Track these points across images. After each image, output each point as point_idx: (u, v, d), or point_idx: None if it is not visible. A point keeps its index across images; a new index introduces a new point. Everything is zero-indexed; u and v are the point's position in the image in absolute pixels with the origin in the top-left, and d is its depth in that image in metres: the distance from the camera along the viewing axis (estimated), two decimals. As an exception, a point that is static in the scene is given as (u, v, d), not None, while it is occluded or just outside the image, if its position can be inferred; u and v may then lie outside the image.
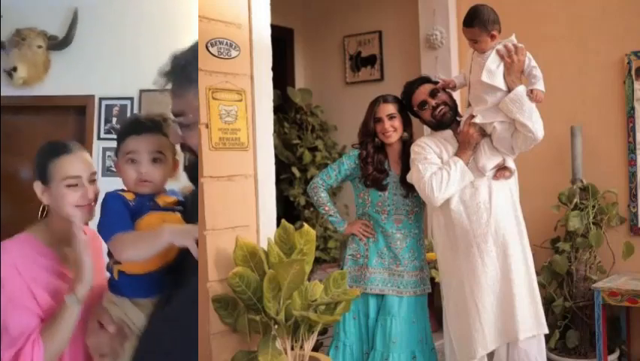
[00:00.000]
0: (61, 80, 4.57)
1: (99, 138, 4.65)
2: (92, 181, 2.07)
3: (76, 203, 2.00)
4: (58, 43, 4.55)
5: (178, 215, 1.98)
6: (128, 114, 4.59)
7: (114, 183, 2.03)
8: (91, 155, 2.12)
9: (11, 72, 4.37)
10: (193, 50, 1.74)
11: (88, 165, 2.07)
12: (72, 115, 4.75)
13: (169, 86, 1.74)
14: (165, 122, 2.00)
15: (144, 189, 1.98)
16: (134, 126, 2.01)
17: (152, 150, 1.97)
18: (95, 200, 2.07)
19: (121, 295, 1.94)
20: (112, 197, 1.95)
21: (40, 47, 4.45)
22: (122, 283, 1.94)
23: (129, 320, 1.92)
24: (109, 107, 4.64)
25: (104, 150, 4.58)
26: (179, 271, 1.84)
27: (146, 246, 1.82)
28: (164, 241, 1.77)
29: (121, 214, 1.92)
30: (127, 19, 4.62)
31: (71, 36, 4.55)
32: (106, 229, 1.91)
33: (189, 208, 2.01)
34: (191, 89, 1.71)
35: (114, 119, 4.62)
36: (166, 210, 1.98)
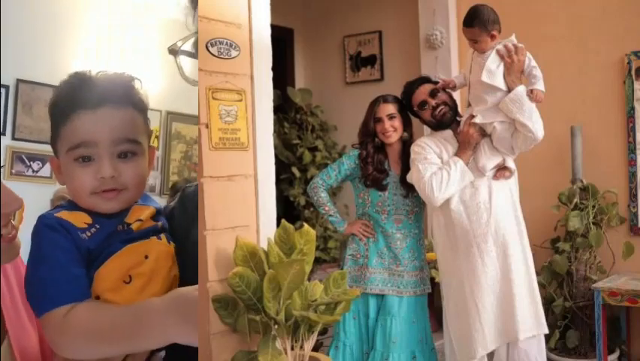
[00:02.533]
0: None
1: None
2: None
3: None
4: None
5: (164, 241, 1.26)
6: (2, 105, 3.86)
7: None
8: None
9: None
10: None
11: None
12: None
13: None
14: (135, 88, 1.25)
15: (109, 205, 1.19)
16: (84, 94, 1.17)
17: (119, 139, 1.19)
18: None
19: None
20: (47, 227, 1.14)
21: None
22: None
23: None
24: None
25: None
26: None
27: (122, 339, 1.02)
28: (158, 335, 1.00)
29: (66, 263, 1.11)
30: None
31: None
32: (39, 295, 1.10)
33: (177, 214, 1.34)
34: None
35: (-16, 108, 3.94)
36: (145, 238, 1.23)
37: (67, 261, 1.13)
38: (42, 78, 4.09)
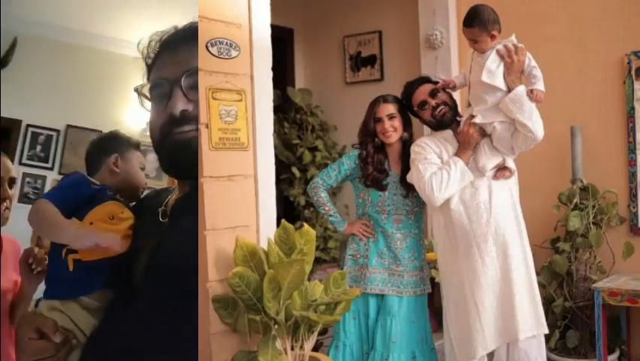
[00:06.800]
0: (-9, 100, 4.76)
1: (20, 163, 4.73)
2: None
3: None
4: None
5: (128, 213, 1.91)
6: (53, 145, 4.89)
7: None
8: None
9: None
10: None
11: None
12: (-5, 136, 4.87)
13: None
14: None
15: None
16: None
17: None
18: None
19: (68, 297, 1.73)
20: (78, 174, 1.97)
21: None
22: (77, 278, 1.73)
23: (77, 328, 1.70)
24: (35, 135, 4.81)
25: (24, 175, 4.71)
26: (149, 251, 1.63)
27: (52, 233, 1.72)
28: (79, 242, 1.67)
29: (75, 189, 1.87)
30: (64, 56, 4.87)
31: (7, 60, 4.58)
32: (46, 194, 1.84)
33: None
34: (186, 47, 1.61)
35: (38, 147, 4.79)
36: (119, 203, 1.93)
37: (80, 190, 1.90)
38: (87, 124, 5.01)
